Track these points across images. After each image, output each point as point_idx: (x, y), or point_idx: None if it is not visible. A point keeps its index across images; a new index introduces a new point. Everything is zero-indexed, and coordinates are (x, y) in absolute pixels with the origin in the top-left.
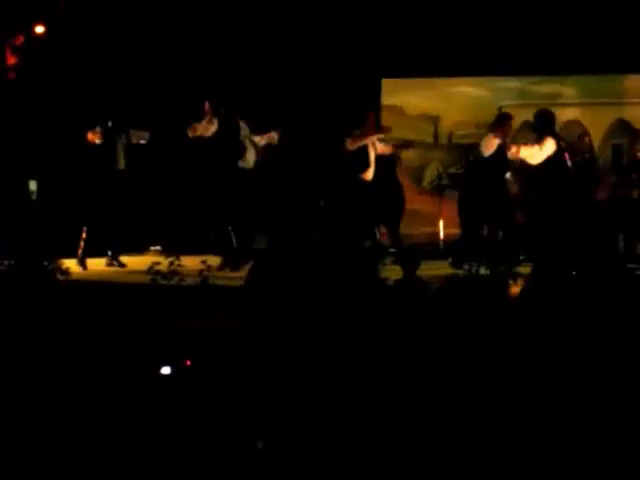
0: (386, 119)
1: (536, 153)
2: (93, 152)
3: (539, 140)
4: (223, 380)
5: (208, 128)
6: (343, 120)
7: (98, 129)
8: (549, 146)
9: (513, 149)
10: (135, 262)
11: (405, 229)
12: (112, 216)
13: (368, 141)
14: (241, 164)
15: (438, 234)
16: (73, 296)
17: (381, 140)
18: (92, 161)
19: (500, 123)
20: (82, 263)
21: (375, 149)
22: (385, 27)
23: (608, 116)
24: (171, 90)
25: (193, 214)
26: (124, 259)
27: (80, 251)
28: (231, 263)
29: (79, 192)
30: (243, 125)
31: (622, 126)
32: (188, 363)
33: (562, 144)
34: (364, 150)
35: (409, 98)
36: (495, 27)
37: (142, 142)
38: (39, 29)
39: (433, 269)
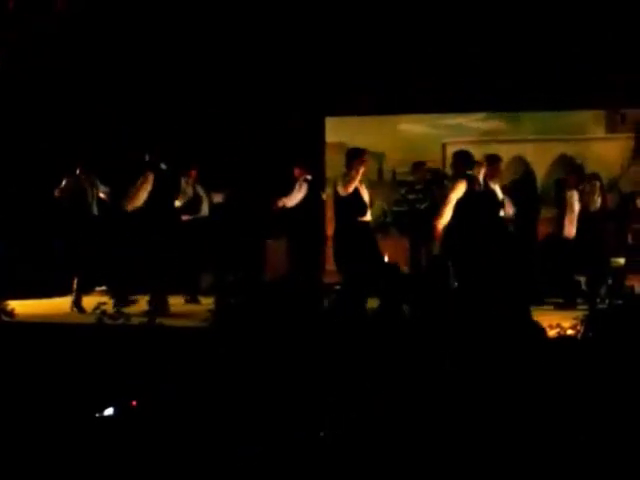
0: (330, 157)
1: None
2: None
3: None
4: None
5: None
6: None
7: (66, 181)
8: (460, 189)
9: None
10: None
11: None
12: (92, 260)
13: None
14: (200, 214)
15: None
16: (18, 337)
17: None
18: (64, 208)
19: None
20: (78, 306)
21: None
22: (327, 66)
23: (551, 152)
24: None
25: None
26: (68, 300)
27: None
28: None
29: (60, 240)
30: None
31: (565, 162)
32: (134, 404)
33: (477, 188)
34: (357, 191)
35: (353, 136)
36: (437, 64)
37: (103, 196)
38: None
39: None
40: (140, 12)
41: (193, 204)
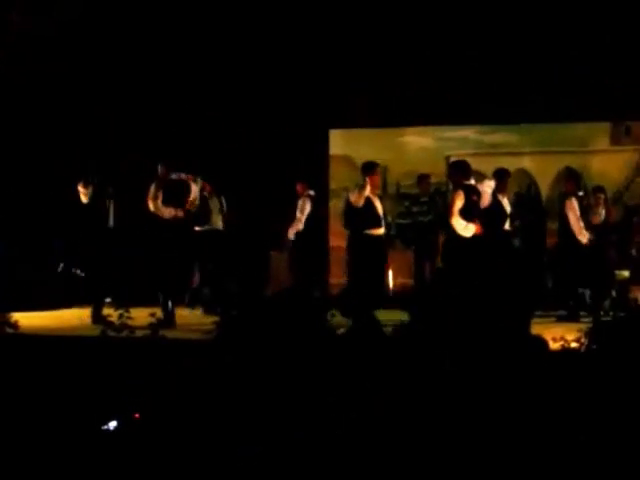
0: (334, 170)
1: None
2: (82, 209)
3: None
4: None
5: (156, 198)
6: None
7: (84, 186)
8: (458, 200)
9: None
10: (86, 315)
11: None
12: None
13: (372, 193)
14: (209, 225)
15: (387, 284)
16: (21, 349)
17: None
18: (82, 218)
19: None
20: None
21: (378, 201)
22: (332, 78)
23: (556, 164)
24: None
25: (144, 267)
26: (75, 312)
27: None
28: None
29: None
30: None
31: (569, 174)
32: (137, 416)
33: (474, 198)
34: (371, 204)
35: (357, 148)
36: (442, 77)
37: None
38: None
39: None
40: (153, 27)
41: (203, 215)
